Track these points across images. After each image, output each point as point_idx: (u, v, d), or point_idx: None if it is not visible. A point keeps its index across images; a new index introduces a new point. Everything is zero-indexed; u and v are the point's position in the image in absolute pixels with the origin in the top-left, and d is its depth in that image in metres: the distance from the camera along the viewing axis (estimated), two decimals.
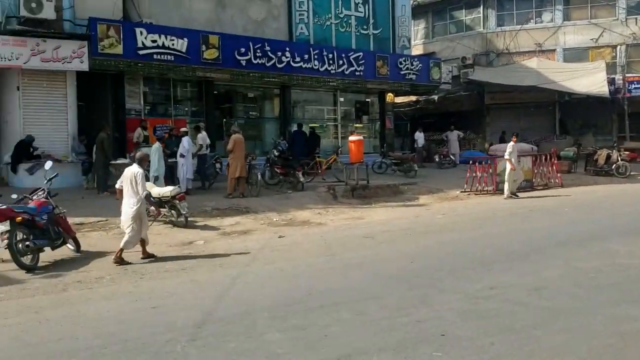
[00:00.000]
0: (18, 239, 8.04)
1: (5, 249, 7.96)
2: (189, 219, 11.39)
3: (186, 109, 19.45)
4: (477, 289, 6.62)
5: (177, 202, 11.18)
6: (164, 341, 5.08)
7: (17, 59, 14.43)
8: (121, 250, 8.56)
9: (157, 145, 13.53)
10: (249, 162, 15.64)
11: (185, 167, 14.69)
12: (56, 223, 8.87)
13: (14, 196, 9.00)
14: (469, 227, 11.37)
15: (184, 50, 16.90)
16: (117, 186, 9.16)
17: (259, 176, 15.37)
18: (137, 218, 8.65)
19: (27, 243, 8.07)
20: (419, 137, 24.29)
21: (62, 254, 9.01)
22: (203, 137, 15.99)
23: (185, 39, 16.92)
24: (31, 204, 8.72)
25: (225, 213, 12.74)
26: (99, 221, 11.50)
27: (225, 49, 17.74)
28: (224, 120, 19.74)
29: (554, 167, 18.60)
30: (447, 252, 8.92)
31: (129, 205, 8.68)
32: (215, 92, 19.51)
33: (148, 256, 8.85)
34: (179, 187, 12.10)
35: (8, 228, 7.92)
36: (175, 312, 5.96)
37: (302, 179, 15.85)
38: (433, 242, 9.87)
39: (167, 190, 11.37)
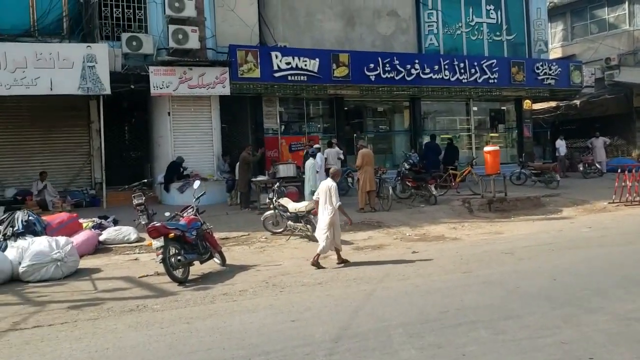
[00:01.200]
0: (171, 253, 8.71)
1: (160, 263, 8.66)
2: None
3: (318, 125, 20.07)
4: (629, 309, 6.13)
5: (312, 216, 11.50)
6: (303, 354, 5.27)
7: (167, 86, 15.79)
8: (318, 255, 9.42)
9: (311, 161, 14.04)
10: (379, 176, 15.76)
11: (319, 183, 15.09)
12: (204, 238, 9.52)
13: (167, 214, 9.80)
14: (618, 241, 10.54)
15: (315, 70, 17.50)
16: (314, 198, 10.14)
17: (390, 190, 15.39)
18: (331, 226, 9.46)
19: (179, 257, 8.74)
20: (561, 145, 22.99)
21: (210, 267, 9.64)
22: (336, 151, 16.40)
23: (317, 59, 17.53)
24: (182, 221, 9.44)
25: (358, 227, 12.89)
26: (242, 236, 12.18)
27: (355, 66, 18.11)
28: (355, 135, 20.06)
29: None
30: (594, 268, 8.34)
31: (324, 215, 9.51)
32: (345, 108, 19.95)
33: (342, 261, 9.59)
34: (313, 202, 12.46)
35: (162, 244, 8.61)
36: (313, 326, 6.15)
37: (434, 192, 15.62)
38: (578, 258, 9.27)
39: (302, 206, 11.76)
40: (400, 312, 6.55)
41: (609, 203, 15.48)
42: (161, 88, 15.77)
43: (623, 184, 15.59)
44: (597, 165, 22.28)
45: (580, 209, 15.20)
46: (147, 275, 9.28)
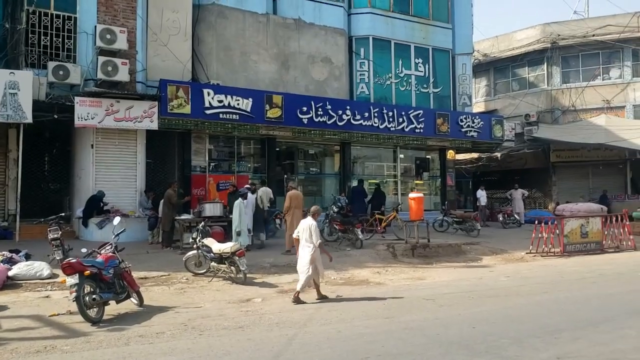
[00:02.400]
0: (85, 292, 8.29)
1: (73, 301, 8.21)
2: (247, 275, 11.48)
3: (249, 165, 19.97)
4: (543, 358, 6.30)
5: (237, 258, 11.29)
6: None
7: (92, 118, 15.33)
8: (297, 292, 9.73)
9: (239, 201, 13.81)
10: None
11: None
12: (121, 277, 9.13)
13: (84, 250, 9.35)
14: (535, 291, 10.92)
15: (248, 109, 17.50)
16: (294, 236, 10.41)
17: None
18: (312, 262, 9.86)
19: (94, 296, 8.32)
20: (481, 195, 23.91)
21: (126, 307, 9.22)
22: (267, 192, 16.32)
23: (250, 99, 17.55)
24: (99, 258, 9.04)
25: (283, 270, 12.77)
26: (162, 276, 11.77)
27: (288, 108, 18.26)
28: (285, 176, 20.09)
29: (626, 229, 17.74)
30: (512, 317, 8.57)
31: (305, 252, 9.93)
32: (277, 148, 19.99)
33: (322, 297, 10.01)
34: (239, 243, 12.26)
35: (77, 281, 8.18)
36: None
37: (361, 236, 15.76)
38: (497, 306, 9.52)
39: (227, 247, 11.53)
40: (322, 358, 6.45)
41: (527, 253, 16.10)
42: (86, 119, 15.27)
43: (540, 235, 16.28)
44: (515, 216, 23.25)
45: (499, 257, 15.72)
46: (58, 314, 8.77)
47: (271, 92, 18.56)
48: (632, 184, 28.64)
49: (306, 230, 10.04)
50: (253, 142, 20.12)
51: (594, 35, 28.90)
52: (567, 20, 31.46)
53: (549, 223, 16.66)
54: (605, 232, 17.39)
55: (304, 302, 9.68)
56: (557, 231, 16.51)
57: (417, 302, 9.78)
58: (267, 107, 17.90)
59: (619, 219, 17.78)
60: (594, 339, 7.14)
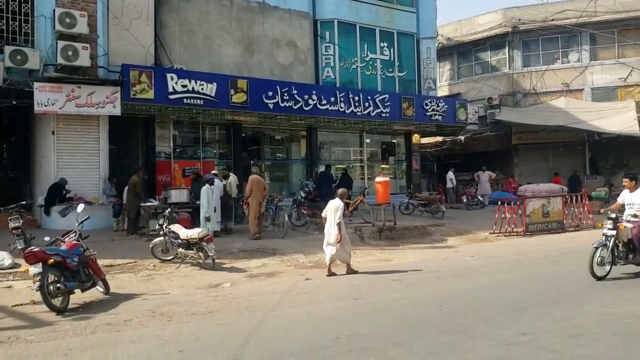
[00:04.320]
0: (49, 280, 8.13)
1: (37, 290, 8.05)
2: (216, 260, 11.42)
3: (214, 151, 19.77)
4: (509, 334, 6.46)
5: (205, 244, 11.23)
6: None
7: (53, 104, 14.92)
8: (329, 266, 10.87)
9: (206, 187, 13.64)
10: (275, 203, 15.79)
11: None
12: (86, 265, 8.99)
13: (47, 238, 9.16)
14: (499, 270, 11.17)
15: (213, 94, 17.28)
16: (322, 215, 11.36)
17: (286, 217, 15.40)
18: (341, 240, 10.76)
19: (58, 285, 8.17)
20: (452, 177, 24.19)
21: (92, 296, 9.09)
22: (236, 179, 16.23)
23: (215, 84, 17.33)
24: (63, 246, 8.87)
25: (252, 255, 12.76)
26: (128, 263, 11.63)
27: (253, 93, 18.10)
28: (252, 162, 19.96)
29: (586, 208, 18.25)
30: (478, 296, 8.75)
31: (332, 230, 10.85)
32: (242, 134, 19.83)
33: (351, 272, 10.90)
34: (206, 229, 12.18)
35: (40, 270, 8.02)
36: (202, 357, 5.93)
37: None
38: (462, 285, 9.70)
39: (194, 232, 11.45)
40: (292, 340, 6.48)
41: (490, 233, 16.43)
42: (46, 105, 14.86)
43: (503, 215, 16.62)
44: (479, 197, 23.64)
45: (464, 238, 16.00)
46: (21, 304, 8.60)
47: (236, 76, 18.36)
48: (590, 164, 29.42)
49: (333, 211, 10.90)
50: (218, 128, 19.91)
51: (553, 20, 29.40)
52: (527, 5, 31.99)
53: (512, 204, 17.02)
54: (566, 212, 17.86)
55: (334, 274, 10.73)
56: (520, 211, 16.87)
57: (385, 283, 9.90)
58: (232, 91, 17.71)
59: (579, 198, 18.27)
60: (557, 315, 7.35)
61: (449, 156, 30.33)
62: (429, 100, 23.06)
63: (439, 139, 29.08)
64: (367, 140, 23.33)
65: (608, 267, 9.47)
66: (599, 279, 9.30)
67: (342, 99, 20.26)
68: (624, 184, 10.21)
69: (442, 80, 32.50)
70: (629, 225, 9.63)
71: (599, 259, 9.40)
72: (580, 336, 6.32)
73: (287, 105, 18.93)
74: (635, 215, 9.67)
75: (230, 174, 16.42)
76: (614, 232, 9.46)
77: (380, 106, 21.27)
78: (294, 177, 21.43)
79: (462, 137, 28.36)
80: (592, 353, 5.72)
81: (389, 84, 23.31)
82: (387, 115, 21.51)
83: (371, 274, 10.84)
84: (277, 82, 19.15)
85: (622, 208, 10.08)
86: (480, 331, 6.65)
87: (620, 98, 28.63)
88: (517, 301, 8.19)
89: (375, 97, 21.27)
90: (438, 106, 23.02)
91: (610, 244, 9.44)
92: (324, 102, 19.83)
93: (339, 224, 10.76)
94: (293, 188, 20.44)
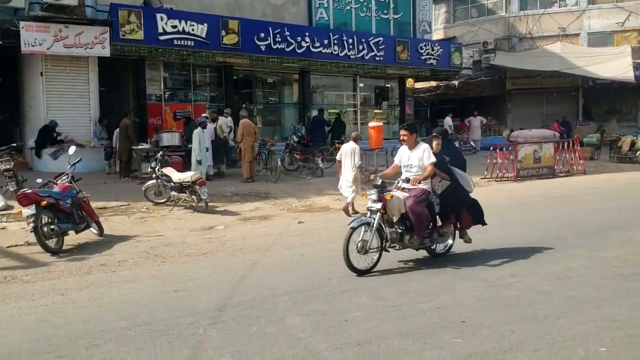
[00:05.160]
0: (43, 222, 8.17)
1: (31, 232, 8.10)
2: (209, 204, 11.46)
3: (205, 94, 19.52)
4: (498, 276, 6.60)
5: (198, 187, 11.23)
6: (186, 324, 5.15)
7: (40, 44, 14.56)
8: (347, 204, 11.25)
9: (198, 130, 13.52)
10: (268, 147, 15.75)
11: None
12: (80, 207, 9.01)
13: (39, 180, 9.14)
14: (490, 214, 11.25)
15: (203, 35, 16.92)
16: (337, 158, 11.78)
17: (279, 162, 15.39)
18: (355, 181, 11.25)
19: (52, 226, 8.21)
20: (450, 123, 24.09)
21: (86, 237, 9.15)
22: (226, 122, 16.08)
23: (205, 24, 16.93)
24: (56, 188, 8.87)
25: (245, 198, 12.81)
26: (120, 205, 11.65)
27: (245, 34, 17.73)
28: (244, 105, 19.78)
29: (577, 154, 18.32)
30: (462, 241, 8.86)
31: (348, 172, 11.30)
32: (234, 77, 19.55)
33: (355, 212, 10.97)
34: (199, 172, 12.16)
35: (34, 212, 8.04)
36: (197, 296, 6.03)
37: (321, 165, 15.84)
38: None
39: (187, 176, 11.43)
40: (285, 280, 6.59)
41: (482, 178, 16.49)
42: (33, 45, 14.49)
43: (494, 161, 16.69)
44: (471, 143, 23.66)
45: None
46: (16, 245, 8.67)
47: (227, 17, 17.92)
48: (584, 110, 29.38)
49: (350, 153, 11.32)
50: (209, 70, 19.59)
51: None
52: None
53: (504, 149, 17.06)
54: (557, 158, 17.93)
55: (357, 212, 10.84)
56: (512, 157, 16.93)
57: None
58: (223, 32, 17.33)
59: (571, 144, 18.32)
60: (546, 257, 7.49)
61: (442, 101, 30.16)
62: (424, 43, 22.71)
63: (433, 83, 28.82)
64: (361, 85, 23.08)
65: (375, 255, 6.86)
66: (360, 273, 6.71)
67: (335, 41, 19.89)
68: (401, 137, 7.43)
69: (437, 23, 31.92)
70: (401, 194, 7.01)
71: (359, 244, 6.71)
72: (568, 278, 6.46)
73: (279, 47, 18.57)
74: (407, 180, 7.17)
75: (221, 117, 16.25)
76: (379, 206, 6.81)
77: (375, 49, 20.93)
78: (286, 122, 21.29)
79: (456, 82, 28.09)
80: (580, 295, 5.85)
81: (384, 26, 22.89)
82: (381, 58, 21.21)
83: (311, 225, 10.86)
84: (269, 23, 18.72)
85: (401, 171, 7.46)
86: (471, 273, 6.78)
87: (617, 43, 28.30)
88: (506, 244, 8.32)
89: (370, 40, 20.90)
90: (433, 50, 22.70)
91: (375, 222, 6.77)
92: (317, 44, 19.47)
93: (359, 166, 11.39)
94: (285, 132, 20.33)
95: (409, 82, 24.00)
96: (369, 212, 6.93)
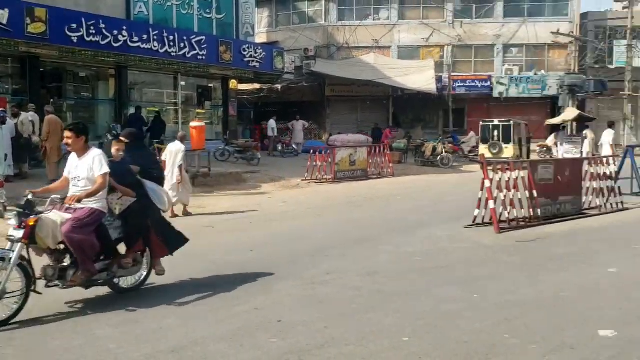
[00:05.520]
0: None
1: None
2: (7, 207, 10.30)
3: (7, 86, 17.61)
4: (314, 274, 6.80)
5: None
6: None
7: None
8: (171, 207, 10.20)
9: None
10: None
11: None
12: None
13: None
14: (309, 214, 11.68)
15: (4, 22, 15.23)
16: (162, 159, 10.94)
17: None
18: (181, 183, 10.98)
19: None
20: (273, 126, 24.42)
21: None
22: (28, 117, 14.61)
23: (7, 10, 15.25)
24: None
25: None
26: None
27: (54, 24, 16.30)
28: (52, 100, 18.16)
29: (387, 158, 19.72)
30: (287, 239, 9.07)
31: (173, 175, 10.78)
32: (41, 69, 17.86)
33: (187, 214, 11.19)
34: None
35: None
36: None
37: None
38: (273, 230, 9.99)
39: None
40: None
41: (302, 180, 17.04)
42: None
43: (314, 163, 17.32)
44: (294, 145, 24.34)
45: (277, 185, 16.39)
46: None
47: (33, 3, 16.32)
48: (393, 118, 31.76)
49: (176, 154, 10.93)
50: (12, 61, 17.68)
51: None
52: None
53: (323, 152, 17.79)
54: (370, 161, 19.15)
55: (177, 215, 10.66)
56: (330, 160, 17.70)
57: (198, 230, 9.76)
58: (28, 20, 15.73)
59: (382, 149, 19.69)
60: (358, 255, 7.91)
61: (266, 104, 30.62)
62: (247, 45, 22.86)
63: (257, 86, 29.13)
64: (182, 83, 22.50)
65: (17, 301, 5.06)
66: None
67: (155, 37, 19.16)
68: (65, 141, 5.69)
69: (260, 27, 32.33)
70: (59, 217, 5.34)
71: None
72: (377, 274, 6.87)
73: (93, 40, 17.36)
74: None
75: (24, 112, 14.74)
76: (20, 234, 5.09)
77: (197, 48, 20.55)
78: (100, 119, 20.02)
79: (279, 86, 28.71)
80: (387, 289, 6.25)
81: (206, 25, 22.59)
82: (204, 58, 20.90)
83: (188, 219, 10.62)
84: (82, 14, 17.41)
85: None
86: (288, 272, 6.90)
87: (423, 57, 31.10)
88: (324, 243, 8.64)
89: (192, 38, 20.48)
90: (256, 52, 22.94)
91: (14, 257, 5.02)
92: (136, 39, 18.56)
93: (180, 167, 10.91)
94: (100, 131, 19.07)
95: (232, 83, 23.96)
96: (8, 243, 5.19)
